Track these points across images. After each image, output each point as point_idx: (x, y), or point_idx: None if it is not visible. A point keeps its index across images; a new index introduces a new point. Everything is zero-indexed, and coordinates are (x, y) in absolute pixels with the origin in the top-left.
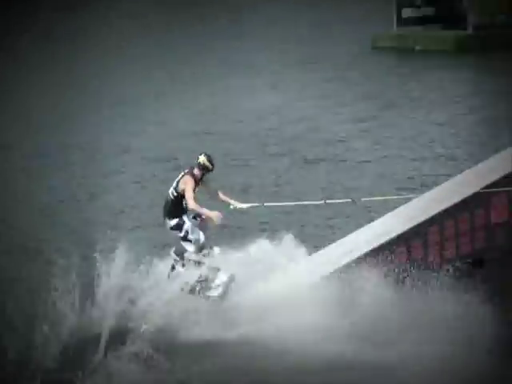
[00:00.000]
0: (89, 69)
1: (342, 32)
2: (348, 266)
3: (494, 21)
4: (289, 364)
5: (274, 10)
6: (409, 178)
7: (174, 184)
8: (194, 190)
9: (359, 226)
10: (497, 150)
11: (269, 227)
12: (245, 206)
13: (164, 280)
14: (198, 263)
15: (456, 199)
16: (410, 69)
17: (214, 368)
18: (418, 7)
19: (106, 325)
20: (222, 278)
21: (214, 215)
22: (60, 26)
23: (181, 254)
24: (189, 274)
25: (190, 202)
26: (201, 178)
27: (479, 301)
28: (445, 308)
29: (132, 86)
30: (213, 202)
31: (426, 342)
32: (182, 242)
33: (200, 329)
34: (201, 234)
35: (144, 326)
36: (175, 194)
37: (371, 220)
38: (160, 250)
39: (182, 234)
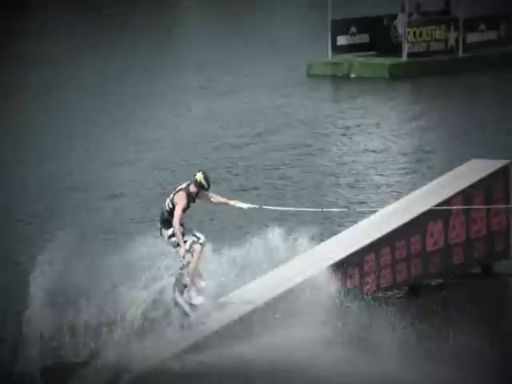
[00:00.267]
0: None
1: (277, 60)
2: (289, 290)
3: (428, 48)
4: None
5: (204, 34)
6: (345, 205)
7: (171, 196)
8: (184, 209)
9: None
10: (431, 178)
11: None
12: (245, 206)
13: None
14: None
15: (392, 226)
16: (346, 96)
17: None
18: (353, 35)
19: None
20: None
21: (182, 251)
22: None
23: (181, 289)
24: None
25: (175, 221)
26: (196, 195)
27: (414, 328)
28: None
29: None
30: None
31: None
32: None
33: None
34: (199, 234)
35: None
36: (170, 205)
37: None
38: None
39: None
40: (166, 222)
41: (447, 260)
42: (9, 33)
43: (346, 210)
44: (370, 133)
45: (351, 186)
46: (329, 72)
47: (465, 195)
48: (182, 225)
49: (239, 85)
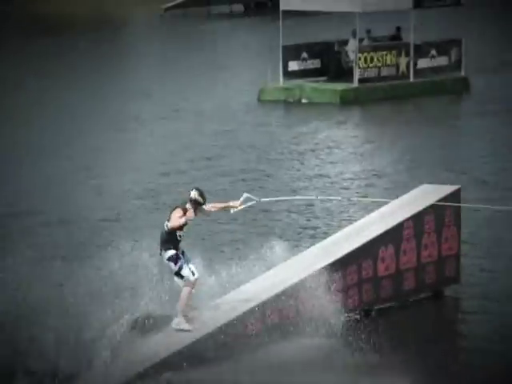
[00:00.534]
0: None
1: (228, 84)
2: (249, 312)
3: (379, 73)
4: None
5: (154, 59)
6: (298, 231)
7: (168, 216)
8: (181, 226)
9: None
10: (383, 203)
11: None
12: (242, 206)
13: None
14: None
15: (344, 251)
16: (298, 121)
17: None
18: (304, 60)
19: None
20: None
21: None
22: None
23: None
24: None
25: (174, 224)
26: (194, 212)
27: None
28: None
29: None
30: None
31: None
32: (175, 278)
33: None
34: (194, 268)
35: None
36: (168, 224)
37: None
38: None
39: (176, 269)
40: (165, 243)
41: (398, 285)
42: None
43: (339, 198)
44: (323, 158)
45: (304, 212)
46: (280, 97)
47: (416, 220)
48: (182, 253)
49: (190, 109)
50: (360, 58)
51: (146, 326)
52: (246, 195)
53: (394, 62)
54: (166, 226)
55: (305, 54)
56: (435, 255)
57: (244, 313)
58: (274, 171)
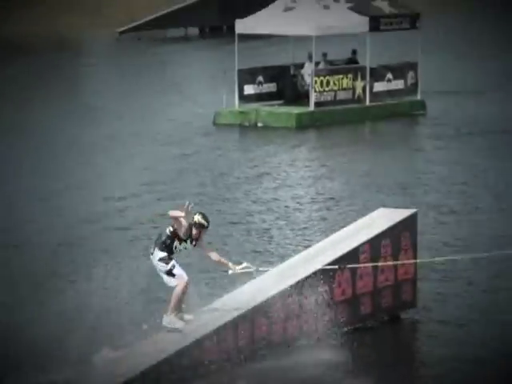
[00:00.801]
0: None
1: (184, 109)
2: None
3: (335, 97)
4: None
5: (110, 83)
6: (253, 255)
7: (173, 222)
8: (180, 238)
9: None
10: (340, 227)
11: None
12: (240, 271)
13: None
14: None
15: (301, 276)
16: (253, 145)
17: None
18: (260, 84)
19: None
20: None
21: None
22: None
23: None
24: None
25: (174, 212)
26: (198, 237)
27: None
28: None
29: None
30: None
31: None
32: (164, 276)
33: None
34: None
35: None
36: (172, 230)
37: None
38: None
39: (168, 267)
40: (162, 245)
41: (355, 310)
42: None
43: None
44: (279, 182)
45: (260, 236)
46: (236, 121)
47: (373, 244)
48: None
49: (146, 133)
50: (316, 82)
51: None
52: (245, 264)
53: (350, 86)
54: (169, 230)
55: (260, 78)
56: (392, 279)
57: (197, 340)
58: (231, 195)
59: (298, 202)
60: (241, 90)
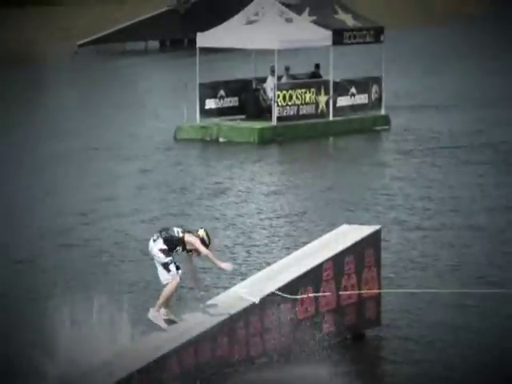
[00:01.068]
0: None
1: (144, 123)
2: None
3: (298, 112)
4: None
5: (69, 99)
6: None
7: (180, 228)
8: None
9: None
10: (304, 243)
11: None
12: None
13: None
14: None
15: (263, 293)
16: (215, 160)
17: None
18: (222, 98)
19: None
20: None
21: (226, 266)
22: None
23: None
24: None
25: (203, 249)
26: (197, 251)
27: None
28: None
29: None
30: None
31: None
32: (159, 268)
33: None
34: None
35: None
36: (181, 234)
37: None
38: None
39: (165, 260)
40: (167, 240)
41: (318, 328)
42: None
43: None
44: (241, 197)
45: (222, 253)
46: (197, 136)
47: (336, 261)
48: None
49: (105, 148)
50: (278, 96)
51: None
52: (243, 293)
53: (313, 100)
54: (179, 234)
55: (222, 92)
56: (355, 297)
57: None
58: (192, 211)
59: (260, 219)
60: (202, 104)
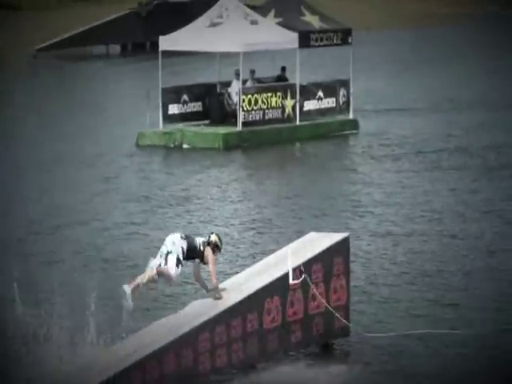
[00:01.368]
0: None
1: (105, 129)
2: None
3: (264, 116)
4: None
5: (32, 102)
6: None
7: (201, 240)
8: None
9: None
10: (271, 251)
11: None
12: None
13: None
14: None
15: (228, 303)
16: (179, 167)
17: None
18: (185, 103)
19: None
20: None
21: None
22: None
23: None
24: None
25: (214, 279)
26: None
27: None
28: None
29: None
30: None
31: None
32: (169, 256)
33: None
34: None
35: None
36: (201, 248)
37: None
38: None
39: (179, 255)
40: (190, 245)
41: (285, 338)
42: None
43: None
44: (206, 205)
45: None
46: (160, 142)
47: (304, 269)
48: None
49: (66, 155)
50: (244, 101)
51: None
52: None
53: (279, 105)
54: (203, 244)
55: (185, 97)
56: (323, 306)
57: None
58: (157, 219)
59: (226, 226)
60: (165, 109)
